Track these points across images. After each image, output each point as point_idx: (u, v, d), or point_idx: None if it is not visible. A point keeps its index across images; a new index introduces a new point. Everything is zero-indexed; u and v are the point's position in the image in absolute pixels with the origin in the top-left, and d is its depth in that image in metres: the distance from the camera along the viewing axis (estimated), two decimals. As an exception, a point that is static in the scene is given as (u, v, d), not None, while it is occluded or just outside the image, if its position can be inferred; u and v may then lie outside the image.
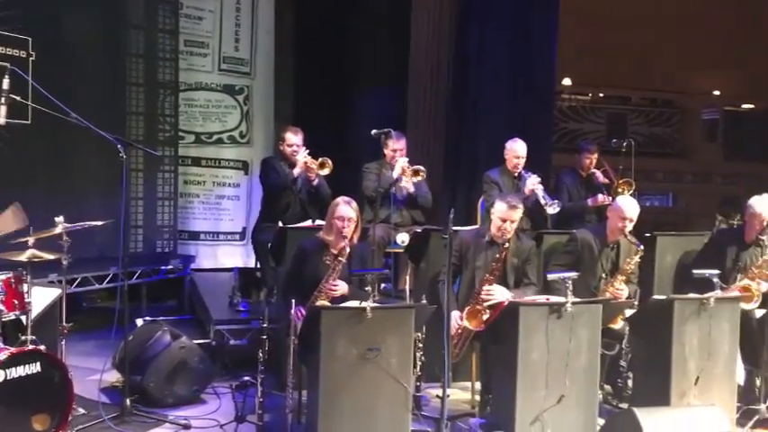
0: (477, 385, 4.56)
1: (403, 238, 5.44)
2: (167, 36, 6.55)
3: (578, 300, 4.00)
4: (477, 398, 4.51)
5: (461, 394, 4.78)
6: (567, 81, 10.23)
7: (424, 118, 7.09)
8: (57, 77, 5.39)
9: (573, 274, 4.07)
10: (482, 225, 4.68)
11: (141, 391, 4.30)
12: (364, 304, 3.65)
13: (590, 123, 10.09)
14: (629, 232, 4.65)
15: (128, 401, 4.11)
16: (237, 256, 7.10)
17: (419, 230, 5.32)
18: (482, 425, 4.18)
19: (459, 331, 4.38)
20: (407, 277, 5.37)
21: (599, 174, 5.93)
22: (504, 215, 4.37)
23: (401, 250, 5.53)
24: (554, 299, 4.09)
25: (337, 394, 3.62)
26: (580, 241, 4.70)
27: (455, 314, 4.41)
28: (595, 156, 5.99)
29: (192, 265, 6.73)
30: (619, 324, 4.52)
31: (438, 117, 7.10)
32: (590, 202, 5.81)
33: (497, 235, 4.42)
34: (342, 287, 4.23)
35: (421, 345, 4.37)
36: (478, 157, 6.80)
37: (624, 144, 6.06)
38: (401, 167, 5.35)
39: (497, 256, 4.36)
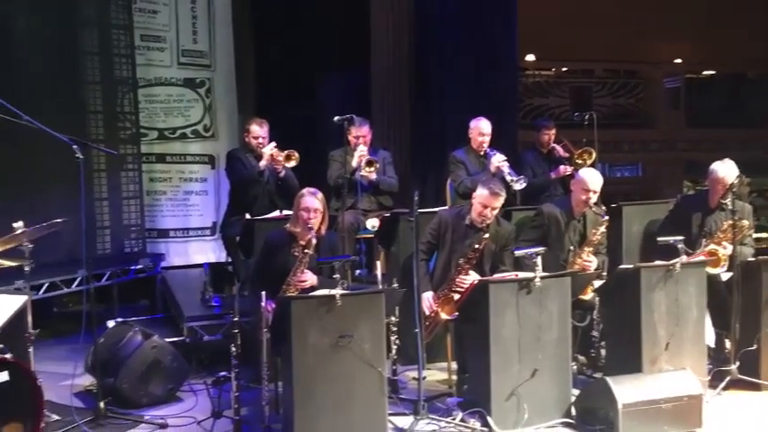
0: (454, 365, 4.58)
1: (373, 223, 5.45)
2: (122, 32, 6.41)
3: (546, 274, 4.04)
4: (454, 377, 4.53)
5: (438, 375, 4.80)
6: (530, 57, 10.24)
7: (388, 101, 7.08)
8: (11, 80, 5.28)
9: (540, 249, 4.11)
10: (462, 206, 4.66)
11: (115, 393, 4.26)
12: (333, 292, 3.64)
13: (555, 98, 10.13)
14: (595, 203, 4.70)
15: (102, 404, 4.06)
16: (209, 251, 7.03)
17: (388, 215, 5.32)
18: (459, 403, 4.21)
19: (432, 315, 4.39)
20: (379, 262, 5.37)
21: (559, 148, 5.98)
22: (486, 201, 4.33)
23: (372, 236, 5.53)
24: (523, 275, 4.12)
25: (312, 383, 3.61)
26: (546, 215, 4.72)
27: (428, 295, 4.42)
28: (553, 131, 6.03)
29: (163, 263, 6.65)
30: (589, 295, 4.56)
31: (402, 100, 7.09)
32: (552, 174, 5.86)
33: (477, 220, 4.40)
34: (310, 279, 4.21)
35: (395, 328, 4.39)
36: (445, 137, 6.80)
37: (587, 117, 6.09)
38: (358, 157, 5.34)
39: (476, 246, 4.34)
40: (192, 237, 7.10)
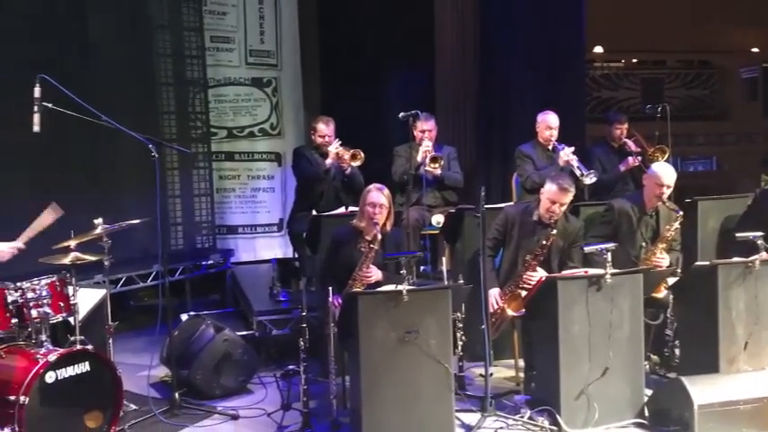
0: (521, 362, 4.53)
1: (438, 219, 5.44)
2: (193, 33, 6.61)
3: (617, 270, 3.95)
4: (522, 375, 4.48)
5: (505, 372, 4.76)
6: (598, 49, 9.99)
7: (452, 96, 7.03)
8: (89, 82, 5.49)
9: (611, 246, 4.01)
10: (529, 202, 4.62)
11: (189, 384, 4.39)
12: (400, 287, 3.65)
13: (624, 90, 9.85)
14: (668, 198, 4.56)
15: (177, 395, 4.20)
16: (276, 247, 7.16)
17: (453, 211, 5.30)
18: (527, 401, 4.16)
19: (499, 311, 4.35)
20: (444, 258, 5.36)
21: (630, 143, 5.81)
22: (554, 197, 4.28)
23: (437, 232, 5.52)
24: (593, 271, 4.03)
25: (379, 378, 3.64)
26: (617, 211, 4.61)
27: (495, 291, 4.38)
28: (625, 126, 5.87)
29: (233, 259, 6.82)
30: (662, 293, 4.44)
31: (467, 95, 7.03)
32: (622, 167, 5.71)
33: (545, 216, 4.35)
34: (375, 274, 4.24)
35: (461, 325, 4.37)
36: (510, 132, 6.71)
37: (659, 109, 5.90)
38: (423, 153, 5.34)
39: (543, 242, 4.28)
40: (259, 233, 7.25)
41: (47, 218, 3.85)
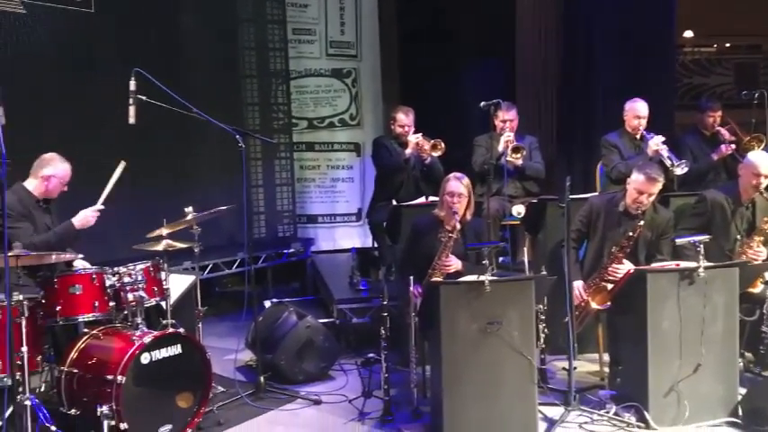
0: (605, 357, 4.42)
1: (519, 209, 5.35)
2: (276, 26, 6.76)
3: (711, 264, 3.79)
4: (606, 370, 4.37)
5: (589, 366, 4.65)
6: (688, 33, 9.59)
7: (533, 85, 6.90)
8: (177, 75, 5.69)
9: (704, 238, 3.85)
10: (615, 192, 4.49)
11: (273, 368, 4.50)
12: (482, 278, 3.62)
13: (716, 76, 9.42)
14: (765, 189, 4.33)
15: (262, 379, 4.32)
16: (355, 236, 7.25)
17: (535, 201, 5.21)
18: (612, 396, 4.06)
19: (583, 304, 4.26)
20: (525, 249, 5.28)
21: (724, 131, 5.53)
22: (642, 187, 4.14)
23: (517, 222, 5.44)
24: (684, 264, 3.89)
25: (460, 369, 3.62)
26: (710, 202, 4.42)
27: (578, 284, 4.29)
28: (719, 113, 5.59)
29: (313, 248, 6.94)
30: (759, 288, 4.24)
31: (548, 83, 6.88)
32: (714, 156, 5.45)
33: (632, 207, 4.23)
34: (455, 263, 4.22)
35: (543, 317, 4.30)
36: (594, 121, 6.54)
37: (756, 95, 5.60)
38: (504, 143, 5.26)
39: (630, 233, 4.15)
40: (338, 222, 7.35)
41: (116, 173, 4.03)
